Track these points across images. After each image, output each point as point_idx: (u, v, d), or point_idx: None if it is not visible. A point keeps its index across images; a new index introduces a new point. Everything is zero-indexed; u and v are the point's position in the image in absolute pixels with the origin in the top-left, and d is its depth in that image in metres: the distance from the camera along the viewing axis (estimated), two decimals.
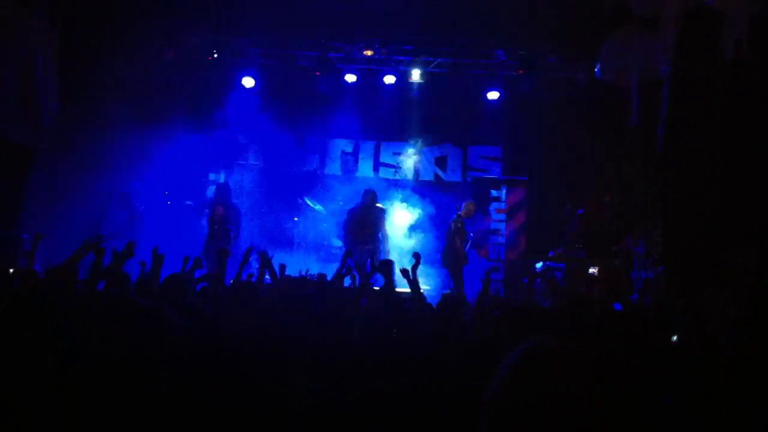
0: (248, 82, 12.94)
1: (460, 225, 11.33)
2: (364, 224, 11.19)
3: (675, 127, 10.49)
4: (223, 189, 11.12)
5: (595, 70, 11.70)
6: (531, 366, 2.02)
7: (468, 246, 11.51)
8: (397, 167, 13.49)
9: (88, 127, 11.37)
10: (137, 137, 12.01)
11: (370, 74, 12.89)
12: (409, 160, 13.36)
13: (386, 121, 13.14)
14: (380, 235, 11.25)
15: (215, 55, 12.80)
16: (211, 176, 13.21)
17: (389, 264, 5.49)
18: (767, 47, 7.92)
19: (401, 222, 12.47)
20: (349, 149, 13.73)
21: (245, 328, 3.40)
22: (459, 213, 11.53)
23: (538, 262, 11.37)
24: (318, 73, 13.05)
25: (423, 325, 4.52)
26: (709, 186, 9.35)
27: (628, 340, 3.83)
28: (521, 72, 12.56)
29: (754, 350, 2.97)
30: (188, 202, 11.29)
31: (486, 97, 13.02)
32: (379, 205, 11.40)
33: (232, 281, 6.00)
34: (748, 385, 2.70)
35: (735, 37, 7.38)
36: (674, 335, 4.42)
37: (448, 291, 8.98)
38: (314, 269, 8.08)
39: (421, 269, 5.88)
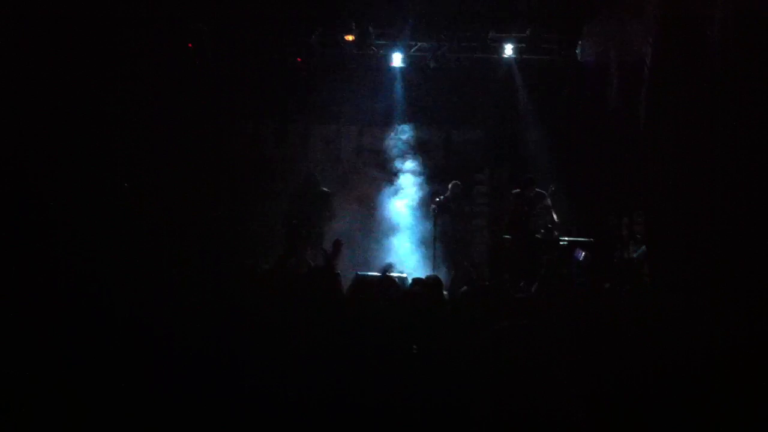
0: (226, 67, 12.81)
1: (434, 207, 11.69)
2: None
3: (657, 108, 10.55)
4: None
5: (576, 51, 11.74)
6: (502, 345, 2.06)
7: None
8: (381, 153, 13.47)
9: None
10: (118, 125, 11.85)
11: (351, 59, 12.84)
12: (392, 144, 13.34)
13: (369, 106, 13.09)
14: None
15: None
16: None
17: None
18: (754, 32, 7.96)
19: (387, 207, 12.54)
20: (332, 135, 13.70)
21: None
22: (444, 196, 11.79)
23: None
24: (299, 59, 12.98)
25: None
26: (693, 167, 9.41)
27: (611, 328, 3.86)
28: (503, 55, 12.57)
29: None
30: None
31: (468, 80, 13.03)
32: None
33: None
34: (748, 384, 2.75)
35: (720, 21, 7.41)
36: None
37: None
38: None
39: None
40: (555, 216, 11.41)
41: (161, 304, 3.15)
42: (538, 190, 11.53)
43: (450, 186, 12.10)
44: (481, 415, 2.22)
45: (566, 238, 11.51)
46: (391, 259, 10.93)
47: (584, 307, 3.30)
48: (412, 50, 12.76)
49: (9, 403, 2.59)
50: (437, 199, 11.94)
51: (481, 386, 2.21)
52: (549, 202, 11.54)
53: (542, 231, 11.21)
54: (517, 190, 11.58)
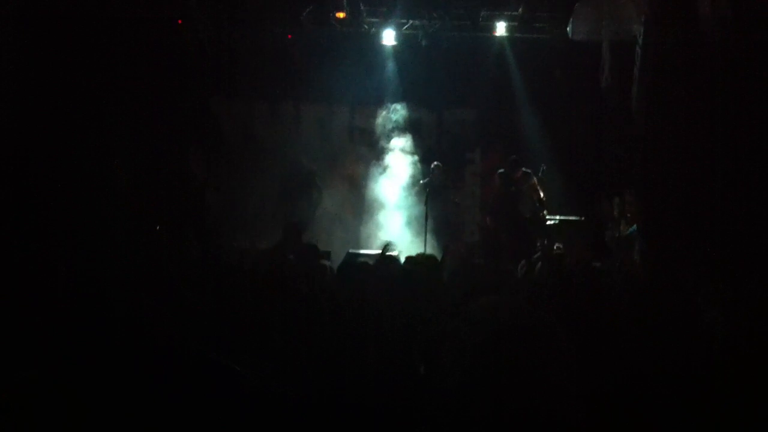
0: (217, 46, 12.66)
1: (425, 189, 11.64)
2: None
3: (649, 87, 10.54)
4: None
5: (568, 29, 11.66)
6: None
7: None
8: (372, 132, 13.40)
9: None
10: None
11: (342, 37, 12.71)
12: (384, 124, 13.27)
13: (360, 85, 12.96)
14: None
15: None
16: None
17: None
18: (745, 8, 7.93)
19: (378, 186, 12.51)
20: (323, 114, 13.59)
21: None
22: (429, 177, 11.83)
23: None
24: (290, 36, 12.85)
25: None
26: (687, 146, 9.42)
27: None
28: (495, 33, 12.50)
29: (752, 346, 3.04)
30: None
31: (461, 58, 12.94)
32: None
33: None
34: (744, 381, 2.77)
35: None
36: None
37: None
38: None
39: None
40: (542, 195, 11.43)
41: (160, 301, 3.13)
42: (524, 169, 11.55)
43: (432, 167, 12.07)
44: (480, 415, 2.21)
45: (556, 217, 11.57)
46: (383, 237, 10.93)
47: (584, 307, 3.31)
48: (404, 28, 12.65)
49: (9, 403, 2.58)
50: (421, 182, 11.98)
51: (481, 386, 2.20)
52: (535, 181, 11.55)
53: (530, 211, 11.25)
54: (502, 170, 11.59)
